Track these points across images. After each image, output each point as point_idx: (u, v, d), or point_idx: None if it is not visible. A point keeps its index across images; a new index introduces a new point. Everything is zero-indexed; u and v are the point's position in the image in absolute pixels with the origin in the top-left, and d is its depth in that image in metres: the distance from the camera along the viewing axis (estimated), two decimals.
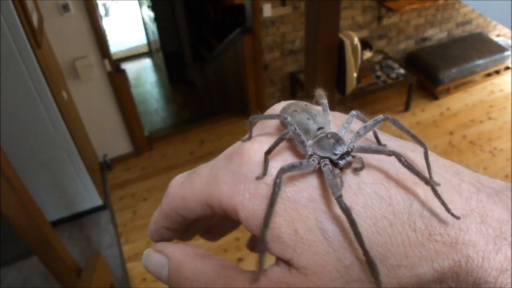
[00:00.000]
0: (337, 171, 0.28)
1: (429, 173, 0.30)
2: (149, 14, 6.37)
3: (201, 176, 0.32)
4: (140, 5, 6.85)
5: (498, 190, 0.29)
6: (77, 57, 3.51)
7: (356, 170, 0.28)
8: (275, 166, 0.29)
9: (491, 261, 0.25)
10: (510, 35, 5.46)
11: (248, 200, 0.28)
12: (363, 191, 0.28)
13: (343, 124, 0.33)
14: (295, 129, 0.30)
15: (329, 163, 0.29)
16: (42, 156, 3.20)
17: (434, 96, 4.96)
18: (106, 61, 3.63)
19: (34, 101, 2.88)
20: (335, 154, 0.29)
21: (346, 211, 0.25)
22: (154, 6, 6.01)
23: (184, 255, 0.32)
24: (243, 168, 0.30)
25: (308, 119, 0.32)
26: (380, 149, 0.29)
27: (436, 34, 5.24)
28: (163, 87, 6.40)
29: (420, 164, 0.30)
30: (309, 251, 0.26)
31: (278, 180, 0.26)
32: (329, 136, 0.30)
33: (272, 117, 0.32)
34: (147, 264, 0.34)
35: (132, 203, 3.87)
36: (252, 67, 4.45)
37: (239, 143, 0.33)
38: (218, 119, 4.87)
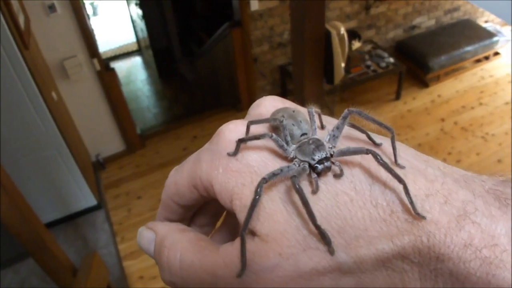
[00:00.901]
0: (314, 175, 0.30)
1: (395, 157, 0.31)
2: (137, 11, 6.34)
3: (189, 161, 0.35)
4: (128, 3, 6.81)
5: (466, 177, 0.29)
6: (66, 57, 3.49)
7: (336, 177, 0.29)
8: (254, 157, 0.31)
9: (453, 238, 0.25)
10: (498, 20, 5.48)
11: (221, 174, 0.31)
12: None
13: (328, 131, 0.34)
14: (272, 136, 0.31)
15: (307, 167, 0.30)
16: (34, 158, 3.19)
17: (424, 84, 4.97)
18: (95, 60, 3.61)
19: (24, 102, 2.86)
20: (314, 159, 0.30)
21: (299, 191, 0.27)
22: (141, 4, 5.98)
23: (168, 230, 0.35)
24: (219, 146, 0.33)
25: (293, 124, 0.33)
26: (357, 149, 0.30)
27: (425, 22, 5.24)
28: (154, 84, 6.38)
29: (389, 151, 0.31)
30: (271, 219, 0.28)
31: (259, 189, 0.28)
32: (310, 142, 0.32)
33: (268, 121, 0.34)
34: (140, 241, 0.36)
35: (127, 201, 3.87)
36: (242, 61, 4.45)
37: None
38: (210, 114, 4.85)
